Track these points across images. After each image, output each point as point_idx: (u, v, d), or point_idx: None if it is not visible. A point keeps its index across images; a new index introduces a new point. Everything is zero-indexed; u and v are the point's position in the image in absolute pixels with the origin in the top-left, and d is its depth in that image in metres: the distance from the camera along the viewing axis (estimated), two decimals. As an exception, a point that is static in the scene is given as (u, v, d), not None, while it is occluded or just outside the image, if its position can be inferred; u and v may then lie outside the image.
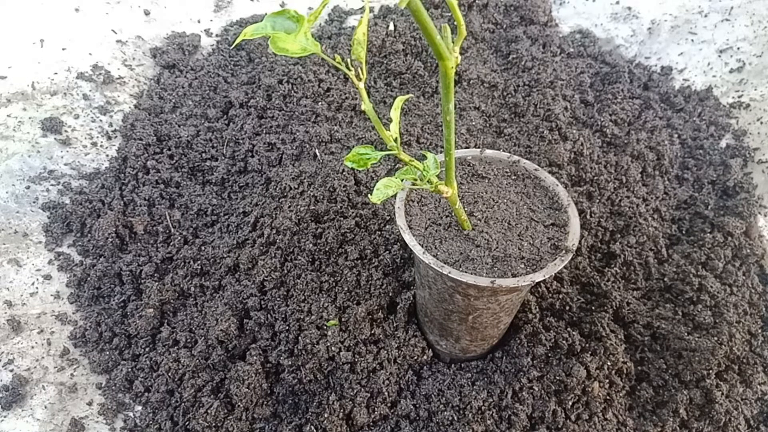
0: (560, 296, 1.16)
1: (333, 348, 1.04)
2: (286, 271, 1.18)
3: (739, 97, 1.60)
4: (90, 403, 1.09)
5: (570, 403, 1.01)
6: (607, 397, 1.02)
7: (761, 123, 1.52)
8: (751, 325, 1.15)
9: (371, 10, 1.93)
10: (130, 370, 1.12)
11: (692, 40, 1.75)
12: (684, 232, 1.34)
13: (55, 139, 1.49)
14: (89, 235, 1.32)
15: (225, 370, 1.10)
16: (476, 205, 0.90)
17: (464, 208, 0.88)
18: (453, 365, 1.08)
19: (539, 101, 1.53)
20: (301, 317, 1.10)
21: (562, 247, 0.84)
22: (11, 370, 1.10)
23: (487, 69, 1.67)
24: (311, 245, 1.19)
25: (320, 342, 1.05)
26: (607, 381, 1.03)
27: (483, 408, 1.00)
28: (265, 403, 1.05)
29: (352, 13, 1.96)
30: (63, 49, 1.65)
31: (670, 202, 1.39)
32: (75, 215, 1.35)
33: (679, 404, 1.02)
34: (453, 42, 0.61)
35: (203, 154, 1.49)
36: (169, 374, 1.09)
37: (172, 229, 1.34)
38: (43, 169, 1.43)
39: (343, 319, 1.08)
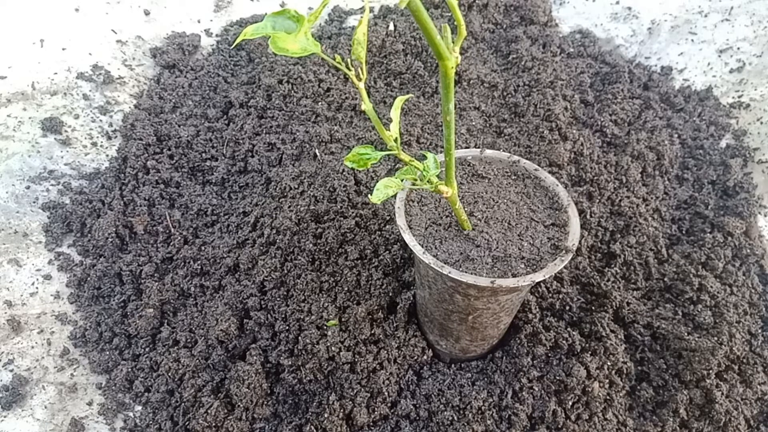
0: (560, 296, 1.16)
1: (333, 348, 1.04)
2: (286, 271, 1.18)
3: (739, 97, 1.60)
4: (90, 403, 1.09)
5: (570, 403, 1.01)
6: (607, 397, 1.02)
7: (761, 123, 1.52)
8: (751, 325, 1.15)
9: (371, 10, 1.93)
10: (130, 370, 1.12)
11: (692, 40, 1.75)
12: (684, 232, 1.34)
13: (55, 139, 1.49)
14: (89, 235, 1.32)
15: (225, 370, 1.10)
16: (476, 205, 0.90)
17: (464, 208, 0.88)
18: (453, 365, 1.08)
19: (539, 101, 1.53)
20: (301, 317, 1.10)
21: (562, 247, 0.84)
22: (11, 370, 1.10)
23: (487, 69, 1.67)
24: (311, 245, 1.19)
25: (320, 342, 1.05)
26: (607, 381, 1.03)
27: (483, 408, 1.00)
28: (265, 403, 1.05)
29: (352, 13, 1.96)
30: (63, 49, 1.65)
31: (670, 202, 1.39)
32: (75, 215, 1.35)
33: (679, 404, 1.02)
34: (453, 42, 0.61)
35: (203, 154, 1.49)
36: (169, 374, 1.09)
37: (172, 229, 1.34)
38: (43, 169, 1.43)
39: (343, 319, 1.08)
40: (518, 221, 0.88)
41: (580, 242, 1.19)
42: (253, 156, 1.46)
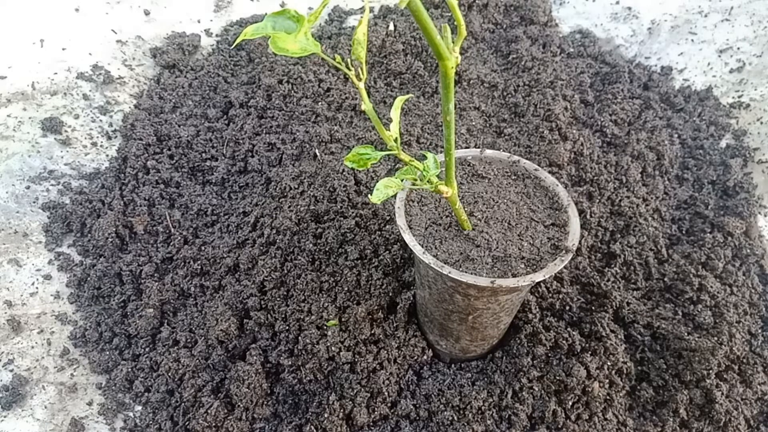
0: (560, 296, 1.16)
1: (333, 348, 1.04)
2: (286, 271, 1.18)
3: (739, 97, 1.60)
4: (90, 403, 1.09)
5: (570, 403, 1.01)
6: (607, 397, 1.02)
7: (761, 123, 1.52)
8: (751, 325, 1.15)
9: (371, 10, 1.93)
10: (130, 370, 1.12)
11: (692, 40, 1.75)
12: (684, 232, 1.34)
13: (55, 139, 1.49)
14: (89, 235, 1.32)
15: (225, 370, 1.10)
16: (476, 205, 0.90)
17: (464, 208, 0.88)
18: (453, 365, 1.08)
19: (539, 101, 1.53)
20: (301, 317, 1.10)
21: (562, 247, 0.84)
22: (11, 370, 1.10)
23: (487, 69, 1.67)
24: (311, 245, 1.19)
25: (320, 342, 1.05)
26: (607, 381, 1.03)
27: (483, 408, 1.00)
28: (265, 403, 1.05)
29: (352, 13, 1.96)
30: (63, 49, 1.65)
31: (670, 202, 1.39)
32: (75, 215, 1.35)
33: (679, 404, 1.02)
34: (453, 42, 0.61)
35: (203, 154, 1.49)
36: (169, 374, 1.09)
37: (172, 229, 1.34)
38: (43, 169, 1.43)
39: (343, 319, 1.08)
40: (518, 221, 0.88)
41: (580, 242, 1.19)
42: (253, 156, 1.46)
